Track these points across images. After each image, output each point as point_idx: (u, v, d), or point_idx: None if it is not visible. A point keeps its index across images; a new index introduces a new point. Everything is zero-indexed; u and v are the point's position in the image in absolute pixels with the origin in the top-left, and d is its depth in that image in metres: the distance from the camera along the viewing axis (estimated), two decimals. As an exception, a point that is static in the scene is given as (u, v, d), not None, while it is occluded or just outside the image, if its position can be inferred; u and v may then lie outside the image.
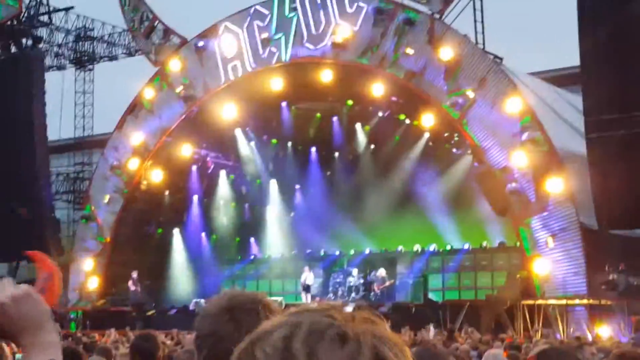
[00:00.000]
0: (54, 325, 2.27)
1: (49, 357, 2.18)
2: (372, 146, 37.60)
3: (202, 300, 32.97)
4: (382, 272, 34.06)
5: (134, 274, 35.03)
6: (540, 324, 26.19)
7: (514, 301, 27.37)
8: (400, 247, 35.98)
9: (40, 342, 2.20)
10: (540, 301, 27.34)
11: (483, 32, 31.02)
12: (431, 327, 21.15)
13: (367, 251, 36.73)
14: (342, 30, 31.63)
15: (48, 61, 45.98)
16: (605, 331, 25.25)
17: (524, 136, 27.78)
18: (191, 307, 33.66)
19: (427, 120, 31.43)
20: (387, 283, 33.83)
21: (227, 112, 35.42)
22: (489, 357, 9.13)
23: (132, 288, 35.05)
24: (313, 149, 39.09)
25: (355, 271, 35.16)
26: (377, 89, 31.55)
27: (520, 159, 27.97)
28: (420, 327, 24.61)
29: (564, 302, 26.94)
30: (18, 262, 42.11)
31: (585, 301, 26.75)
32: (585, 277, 26.80)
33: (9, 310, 2.19)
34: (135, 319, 33.01)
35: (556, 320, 26.83)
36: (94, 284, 36.13)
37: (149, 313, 34.49)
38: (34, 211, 39.00)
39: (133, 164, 36.04)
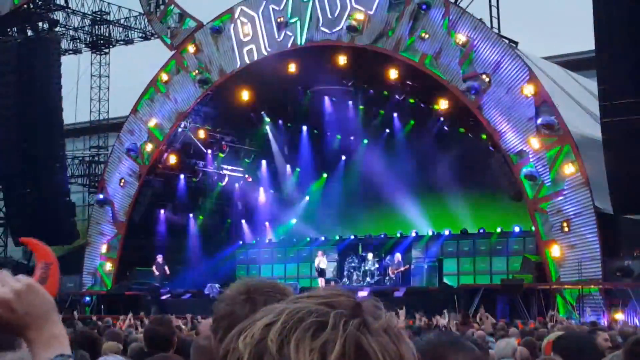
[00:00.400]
0: (59, 316, 2.19)
1: (57, 352, 2.10)
2: (387, 130, 37.54)
3: (217, 285, 33.09)
4: (398, 256, 34.10)
5: (159, 258, 35.24)
6: (556, 309, 26.15)
7: (529, 286, 27.39)
8: (415, 232, 35.98)
9: (47, 335, 2.12)
10: (555, 286, 27.35)
11: (498, 17, 30.98)
12: (445, 312, 20.98)
13: (382, 236, 36.73)
14: (358, 14, 31.57)
15: (64, 45, 46.04)
16: (620, 316, 25.22)
17: (539, 120, 27.75)
18: (206, 291, 33.78)
19: (442, 104, 31.42)
20: (403, 268, 33.85)
21: (243, 96, 35.48)
22: (501, 345, 9.12)
23: (157, 273, 35.23)
24: (328, 133, 39.06)
25: (370, 256, 35.22)
26: (393, 73, 31.58)
27: (535, 144, 27.95)
28: (435, 312, 24.58)
29: (579, 287, 26.92)
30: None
31: (600, 286, 26.73)
32: (600, 262, 26.78)
33: (14, 306, 2.08)
34: (150, 303, 33.13)
35: (571, 305, 26.85)
36: (108, 267, 36.26)
37: (163, 297, 34.60)
38: (49, 194, 39.19)
39: (148, 148, 36.13)
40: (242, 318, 2.64)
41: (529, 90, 28.19)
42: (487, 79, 28.98)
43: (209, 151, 38.23)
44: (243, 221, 40.93)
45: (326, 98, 37.08)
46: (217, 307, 2.88)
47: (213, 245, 38.84)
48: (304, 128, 39.08)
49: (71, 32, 47.22)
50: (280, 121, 38.81)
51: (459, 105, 30.54)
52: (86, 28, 47.62)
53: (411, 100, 34.41)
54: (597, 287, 26.81)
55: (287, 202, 40.74)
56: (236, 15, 34.51)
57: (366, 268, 34.97)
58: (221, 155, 38.91)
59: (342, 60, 32.46)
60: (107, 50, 49.43)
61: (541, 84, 28.49)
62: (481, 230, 34.23)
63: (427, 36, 30.16)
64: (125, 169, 36.57)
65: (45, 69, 39.41)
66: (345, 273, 35.76)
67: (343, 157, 39.29)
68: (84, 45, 48.70)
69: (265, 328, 1.50)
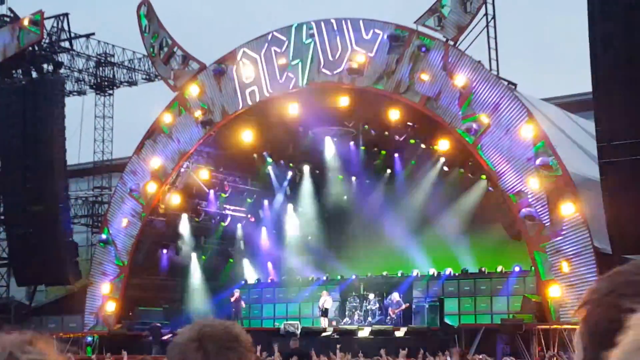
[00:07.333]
0: None
1: None
2: (389, 170, 37.83)
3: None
4: (395, 296, 34.12)
5: (237, 293, 35.67)
6: (556, 349, 26.20)
7: (529, 326, 27.44)
8: (416, 271, 36.05)
9: None
10: (555, 326, 27.40)
11: (497, 59, 31.26)
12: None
13: (383, 275, 36.79)
14: (358, 56, 31.94)
15: (69, 86, 46.47)
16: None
17: (538, 161, 27.99)
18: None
19: (442, 145, 31.75)
20: (403, 306, 33.89)
21: (245, 136, 35.79)
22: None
23: (234, 308, 35.32)
24: (329, 173, 39.28)
25: (371, 295, 35.26)
26: (393, 114, 31.94)
27: (534, 184, 28.16)
28: (436, 352, 24.60)
29: (579, 326, 26.94)
30: (35, 286, 42.38)
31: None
32: (599, 302, 26.81)
33: None
34: (151, 344, 33.15)
35: (572, 345, 26.88)
36: (111, 307, 36.26)
37: (165, 337, 34.57)
38: (52, 235, 39.28)
39: (151, 188, 36.29)
40: None
41: (527, 131, 28.47)
42: (486, 120, 29.27)
43: (212, 191, 38.41)
44: (245, 261, 41.03)
45: (328, 138, 37.36)
46: (171, 353, 2.75)
47: (215, 285, 38.96)
48: (306, 168, 39.32)
49: (76, 74, 47.68)
50: (282, 161, 39.08)
51: (459, 146, 30.81)
52: (90, 70, 48.10)
53: (412, 141, 34.68)
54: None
55: (289, 242, 40.88)
56: (238, 57, 34.86)
57: (368, 307, 35.01)
58: (223, 195, 39.12)
59: (343, 101, 32.85)
60: (111, 92, 49.90)
61: (540, 124, 28.76)
62: (482, 270, 34.31)
63: (426, 78, 30.51)
64: (128, 209, 36.72)
65: (49, 110, 39.66)
66: (347, 313, 35.80)
67: (345, 197, 39.48)
68: (88, 87, 49.17)
69: None
